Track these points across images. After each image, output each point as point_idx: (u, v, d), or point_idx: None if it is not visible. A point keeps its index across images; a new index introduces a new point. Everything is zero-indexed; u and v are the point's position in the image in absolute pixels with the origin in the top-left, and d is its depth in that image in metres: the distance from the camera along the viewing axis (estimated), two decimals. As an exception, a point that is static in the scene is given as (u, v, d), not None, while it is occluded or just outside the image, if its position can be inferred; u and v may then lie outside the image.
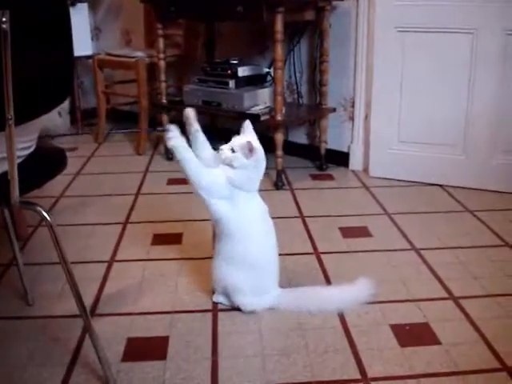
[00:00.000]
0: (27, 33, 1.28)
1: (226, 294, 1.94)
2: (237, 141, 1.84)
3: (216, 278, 1.94)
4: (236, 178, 1.83)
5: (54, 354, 1.72)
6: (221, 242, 1.91)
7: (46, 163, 1.56)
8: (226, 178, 1.82)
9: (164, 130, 1.88)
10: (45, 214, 1.44)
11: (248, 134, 1.88)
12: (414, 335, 1.80)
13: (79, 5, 4.22)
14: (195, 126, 1.88)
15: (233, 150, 1.81)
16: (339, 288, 2.03)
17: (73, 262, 2.25)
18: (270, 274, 1.96)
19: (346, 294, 1.99)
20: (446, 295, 2.04)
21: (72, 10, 4.19)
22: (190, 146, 1.85)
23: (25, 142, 1.48)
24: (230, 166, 1.82)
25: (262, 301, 1.93)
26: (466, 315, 1.90)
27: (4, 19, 1.16)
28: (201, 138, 1.89)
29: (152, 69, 3.75)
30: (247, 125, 1.90)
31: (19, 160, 1.47)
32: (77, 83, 4.48)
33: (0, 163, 1.37)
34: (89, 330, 1.57)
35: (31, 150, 1.51)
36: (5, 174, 1.35)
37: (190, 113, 1.88)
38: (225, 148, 1.83)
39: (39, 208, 1.44)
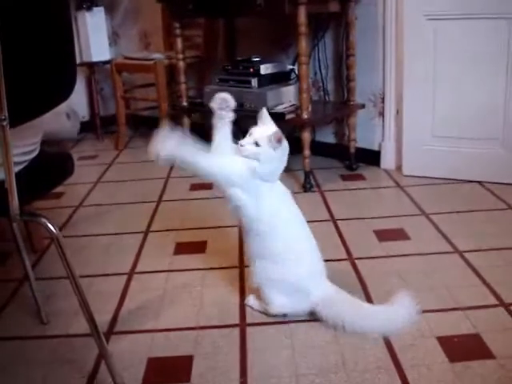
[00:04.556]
0: (23, 27, 1.14)
1: (259, 295, 1.80)
2: (259, 133, 1.67)
3: (251, 276, 1.80)
4: (261, 172, 1.67)
5: (69, 377, 1.58)
6: (250, 239, 1.76)
7: (51, 169, 1.42)
8: (249, 169, 1.66)
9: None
10: (50, 226, 1.30)
11: (267, 124, 1.71)
12: (464, 348, 1.62)
13: (95, 9, 4.12)
14: (231, 115, 1.71)
15: (257, 144, 1.65)
16: (384, 307, 1.78)
17: (91, 276, 2.17)
18: (310, 265, 1.78)
19: (392, 313, 1.75)
20: (496, 302, 1.85)
21: (88, 15, 4.10)
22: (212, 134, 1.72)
23: (27, 146, 1.35)
24: (256, 160, 1.66)
25: (299, 304, 1.76)
26: (520, 324, 1.72)
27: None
28: (228, 128, 1.73)
29: (172, 71, 3.63)
30: (264, 113, 1.73)
31: (22, 166, 1.34)
32: (96, 90, 4.38)
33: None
34: (103, 353, 1.42)
35: (34, 154, 1.38)
36: (3, 182, 1.22)
37: (230, 98, 1.69)
38: (246, 143, 1.67)
39: (43, 219, 1.30)
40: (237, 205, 1.71)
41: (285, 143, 1.70)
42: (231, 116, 1.71)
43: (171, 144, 1.60)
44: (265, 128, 1.69)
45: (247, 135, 1.69)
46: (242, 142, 1.68)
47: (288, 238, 1.75)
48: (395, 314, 1.72)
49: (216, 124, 1.72)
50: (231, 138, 1.73)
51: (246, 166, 1.67)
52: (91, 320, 1.41)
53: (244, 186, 1.68)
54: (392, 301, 1.74)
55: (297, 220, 1.79)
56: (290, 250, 1.74)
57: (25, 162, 1.34)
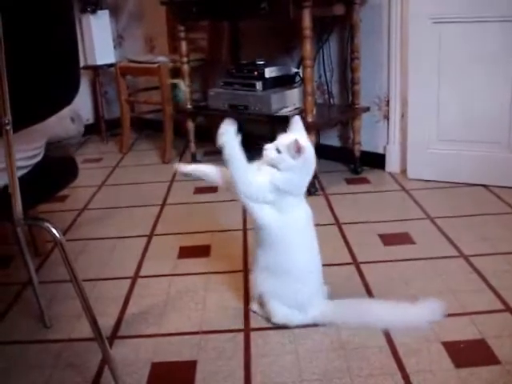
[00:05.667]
0: (25, 31, 1.14)
1: (261, 303, 1.79)
2: (283, 140, 1.64)
3: (254, 284, 1.79)
4: (282, 182, 1.64)
5: (72, 382, 1.57)
6: (261, 249, 1.75)
7: (55, 173, 1.41)
8: (269, 182, 1.64)
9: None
10: (53, 231, 1.30)
11: (296, 132, 1.68)
12: (469, 354, 1.61)
13: (100, 12, 4.13)
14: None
15: (278, 151, 1.63)
16: (398, 304, 1.79)
17: (94, 279, 2.16)
18: (312, 287, 1.77)
19: (408, 311, 1.77)
20: (502, 307, 1.83)
21: (93, 18, 4.10)
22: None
23: (31, 150, 1.34)
24: (276, 168, 1.64)
25: (299, 316, 1.75)
26: (526, 329, 1.71)
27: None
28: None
29: (176, 74, 3.62)
30: (296, 121, 1.70)
31: (26, 170, 1.33)
32: (100, 93, 4.39)
33: (2, 174, 1.23)
34: (106, 358, 1.42)
35: (38, 158, 1.38)
36: (7, 186, 1.21)
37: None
38: (269, 148, 1.65)
39: (47, 224, 1.29)
40: (259, 219, 1.70)
41: (308, 155, 1.65)
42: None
43: (230, 136, 1.60)
44: (291, 135, 1.65)
45: (275, 141, 1.67)
46: (266, 146, 1.66)
47: (297, 256, 1.74)
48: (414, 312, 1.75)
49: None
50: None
51: (268, 179, 1.65)
52: (94, 324, 1.40)
53: (269, 200, 1.67)
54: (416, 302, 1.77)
55: (310, 242, 1.78)
56: (296, 269, 1.73)
57: (29, 166, 1.34)
